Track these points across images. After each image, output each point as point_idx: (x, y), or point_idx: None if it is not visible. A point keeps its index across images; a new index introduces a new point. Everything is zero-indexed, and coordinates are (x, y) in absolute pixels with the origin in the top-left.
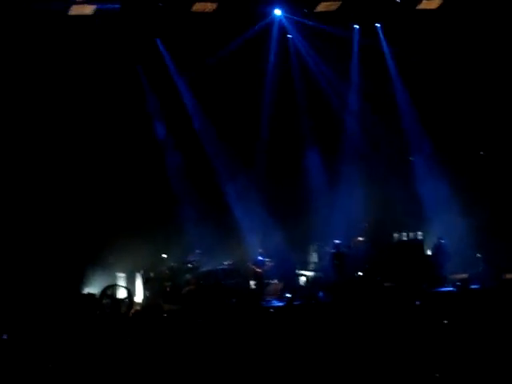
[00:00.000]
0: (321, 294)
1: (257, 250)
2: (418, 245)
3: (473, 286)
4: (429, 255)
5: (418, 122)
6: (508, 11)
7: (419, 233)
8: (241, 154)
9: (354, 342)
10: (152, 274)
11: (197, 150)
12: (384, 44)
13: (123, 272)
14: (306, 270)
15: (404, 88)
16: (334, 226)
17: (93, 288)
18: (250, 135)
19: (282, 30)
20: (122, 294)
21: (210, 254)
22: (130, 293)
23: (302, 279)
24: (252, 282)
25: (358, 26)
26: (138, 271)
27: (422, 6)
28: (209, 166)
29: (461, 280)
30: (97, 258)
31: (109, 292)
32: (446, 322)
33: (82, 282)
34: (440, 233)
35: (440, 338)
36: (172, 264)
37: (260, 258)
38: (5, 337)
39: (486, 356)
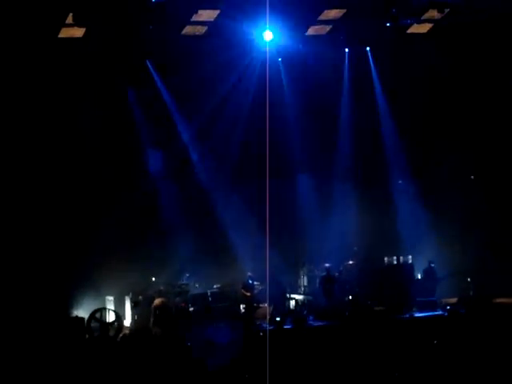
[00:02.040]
0: (311, 317)
1: (247, 273)
2: (409, 269)
3: (463, 311)
4: (419, 279)
5: (403, 147)
6: (497, 37)
7: (409, 256)
8: (232, 177)
9: (344, 365)
10: (141, 298)
11: (188, 174)
12: (373, 67)
13: (112, 295)
14: (296, 293)
15: (390, 112)
16: (324, 250)
17: (81, 311)
18: (242, 159)
19: (273, 53)
20: (110, 317)
21: (200, 277)
22: (119, 316)
23: (292, 303)
24: (242, 306)
25: (348, 50)
26: (127, 294)
27: (412, 30)
28: (200, 189)
29: (451, 304)
30: (86, 281)
31: (97, 315)
32: (435, 342)
33: (70, 305)
34: (430, 257)
35: (429, 361)
36: (161, 287)
37: (250, 281)
38: None
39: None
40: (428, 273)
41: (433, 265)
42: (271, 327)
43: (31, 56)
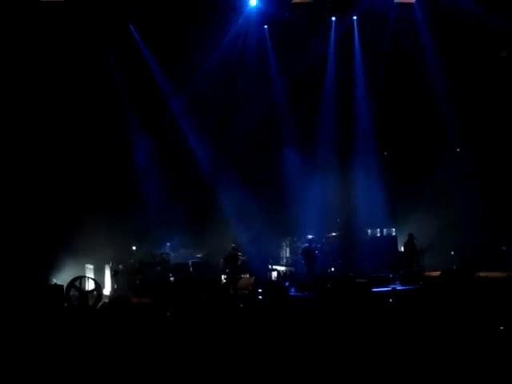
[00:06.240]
0: (292, 289)
1: (229, 243)
2: (392, 241)
3: (444, 284)
4: (402, 252)
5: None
6: None
7: (393, 229)
8: (217, 149)
9: (325, 337)
10: (121, 267)
11: (172, 141)
12: (357, 38)
13: (92, 263)
14: (278, 264)
15: (365, 83)
16: (307, 221)
17: (60, 279)
18: (228, 129)
19: (258, 21)
20: (90, 286)
21: (181, 247)
22: (99, 285)
23: (274, 274)
24: (223, 276)
25: (334, 18)
26: (107, 263)
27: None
28: (183, 158)
29: (434, 277)
30: (65, 249)
31: (77, 284)
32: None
33: (49, 272)
34: (414, 229)
35: (410, 334)
36: (142, 257)
37: (232, 252)
38: None
39: (454, 355)
40: (411, 245)
41: (415, 237)
42: (252, 298)
43: (13, 18)
